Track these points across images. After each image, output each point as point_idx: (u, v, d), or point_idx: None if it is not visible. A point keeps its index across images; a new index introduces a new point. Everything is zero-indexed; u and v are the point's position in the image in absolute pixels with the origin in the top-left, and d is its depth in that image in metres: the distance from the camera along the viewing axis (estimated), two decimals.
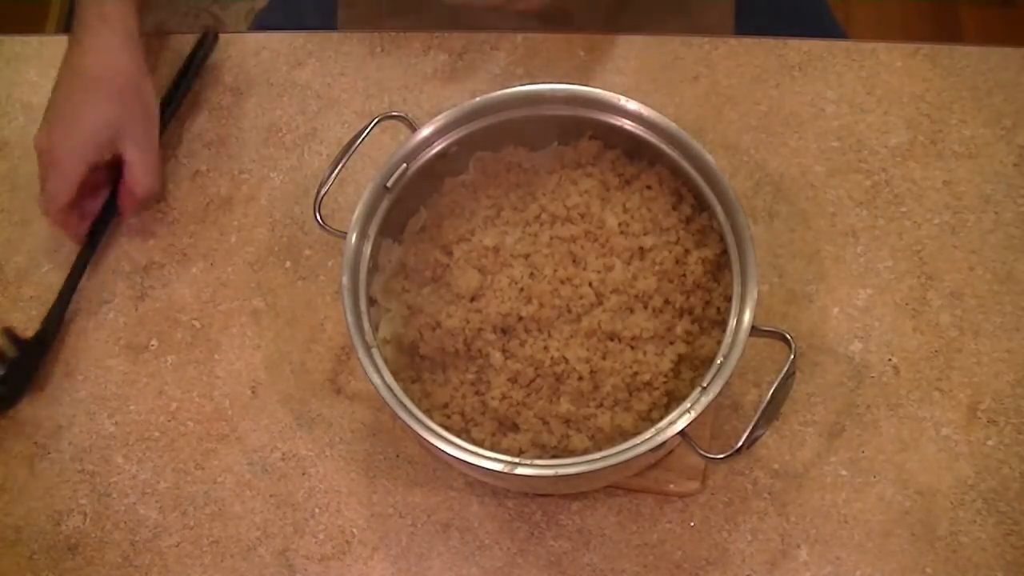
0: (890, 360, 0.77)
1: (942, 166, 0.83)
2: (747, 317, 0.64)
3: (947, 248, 0.81)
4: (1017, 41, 0.96)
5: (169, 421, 0.80)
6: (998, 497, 0.73)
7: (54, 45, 0.97)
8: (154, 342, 0.83)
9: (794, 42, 0.89)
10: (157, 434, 0.80)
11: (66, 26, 1.89)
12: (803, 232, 0.82)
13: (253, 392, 0.81)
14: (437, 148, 0.72)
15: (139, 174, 0.82)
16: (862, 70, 0.87)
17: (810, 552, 0.73)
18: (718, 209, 0.69)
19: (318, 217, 0.73)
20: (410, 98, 0.90)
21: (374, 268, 0.72)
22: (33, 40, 0.98)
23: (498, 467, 0.63)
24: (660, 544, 0.74)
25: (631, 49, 0.90)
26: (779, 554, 0.73)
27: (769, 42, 0.89)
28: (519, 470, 0.62)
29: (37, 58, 0.96)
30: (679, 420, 0.62)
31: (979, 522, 0.72)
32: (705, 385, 0.63)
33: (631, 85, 0.88)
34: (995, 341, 0.77)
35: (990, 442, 0.75)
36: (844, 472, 0.74)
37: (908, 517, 0.73)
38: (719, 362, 0.63)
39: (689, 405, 0.62)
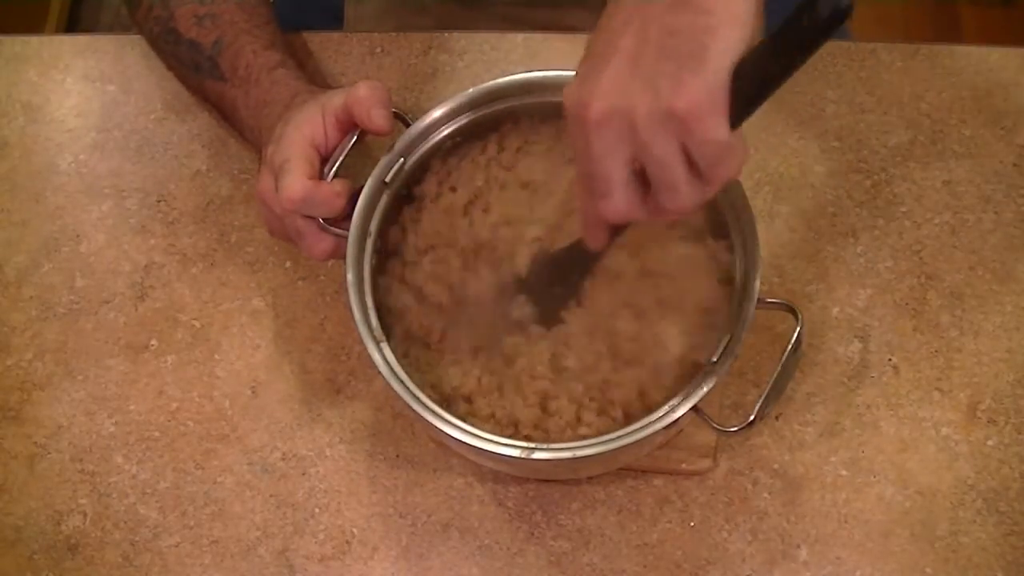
0: (890, 360, 0.77)
1: (942, 166, 0.83)
2: (754, 288, 0.64)
3: (947, 248, 0.81)
4: (1017, 41, 0.96)
5: (169, 421, 0.80)
6: (998, 497, 0.73)
7: (54, 45, 0.97)
8: (154, 342, 0.83)
9: None
10: (157, 434, 0.80)
11: (67, 26, 1.91)
12: (803, 232, 0.82)
13: (253, 392, 0.81)
14: (433, 141, 0.72)
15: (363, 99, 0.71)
16: (862, 70, 0.87)
17: (810, 552, 0.73)
18: None
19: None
20: (410, 98, 0.90)
21: (382, 262, 0.72)
22: (33, 40, 0.97)
23: (515, 452, 0.63)
24: (660, 544, 0.74)
25: None
26: (779, 554, 0.73)
27: None
28: (536, 454, 0.63)
29: (37, 58, 0.96)
30: (692, 394, 0.62)
31: (979, 522, 0.72)
32: (715, 359, 0.63)
33: None
34: (995, 341, 0.77)
35: (990, 442, 0.75)
36: (844, 472, 0.74)
37: (908, 517, 0.73)
38: (728, 335, 0.64)
39: (701, 379, 0.63)
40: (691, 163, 0.53)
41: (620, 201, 0.55)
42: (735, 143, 0.52)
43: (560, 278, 0.69)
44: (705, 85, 0.50)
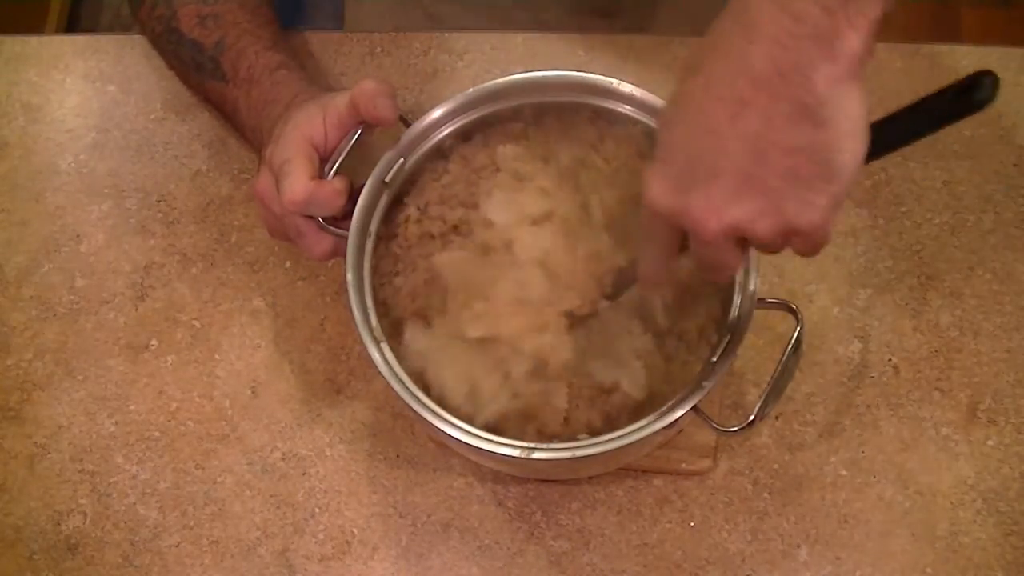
0: (890, 360, 0.77)
1: (942, 166, 0.83)
2: (752, 287, 0.64)
3: (947, 248, 0.81)
4: (1017, 41, 0.96)
5: (169, 421, 0.80)
6: (998, 497, 0.73)
7: (54, 45, 0.97)
8: (154, 342, 0.83)
9: None
10: (157, 434, 0.80)
11: (67, 26, 1.91)
12: None
13: (253, 392, 0.81)
14: (433, 141, 0.73)
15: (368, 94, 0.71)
16: None
17: (810, 552, 0.73)
18: None
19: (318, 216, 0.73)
20: (410, 98, 0.90)
21: (381, 262, 0.72)
22: (33, 40, 0.97)
23: (515, 452, 0.63)
24: (660, 544, 0.74)
25: (631, 50, 0.90)
26: (779, 554, 0.73)
27: None
28: (536, 455, 0.62)
29: (37, 58, 0.96)
30: (692, 394, 0.62)
31: (979, 522, 0.73)
32: (715, 359, 0.63)
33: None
34: (995, 341, 0.77)
35: (990, 442, 0.75)
36: (844, 472, 0.75)
37: (908, 517, 0.73)
38: (728, 335, 0.64)
39: (700, 379, 0.63)
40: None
41: (734, 269, 0.58)
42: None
43: None
44: (831, 204, 0.51)
